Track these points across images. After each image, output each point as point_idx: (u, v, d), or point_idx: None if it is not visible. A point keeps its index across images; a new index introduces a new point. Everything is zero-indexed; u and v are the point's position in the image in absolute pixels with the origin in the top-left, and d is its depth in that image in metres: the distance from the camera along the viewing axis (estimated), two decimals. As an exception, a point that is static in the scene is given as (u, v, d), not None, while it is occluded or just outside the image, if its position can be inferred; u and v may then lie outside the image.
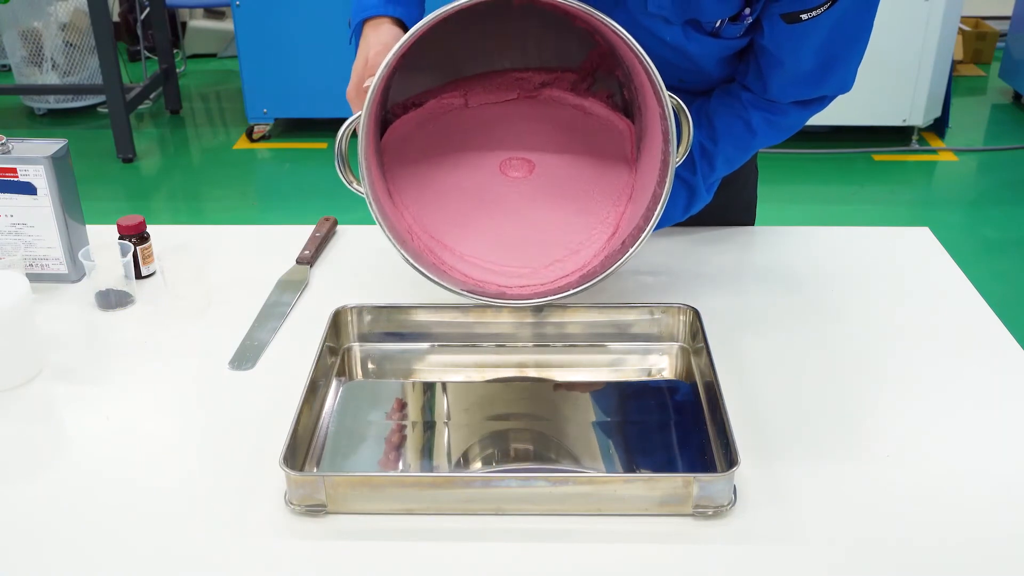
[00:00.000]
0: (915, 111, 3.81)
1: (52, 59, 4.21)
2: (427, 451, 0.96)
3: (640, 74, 0.99)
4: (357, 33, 1.09)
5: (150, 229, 1.26)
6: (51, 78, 4.25)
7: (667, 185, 0.99)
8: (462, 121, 1.13)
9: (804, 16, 1.03)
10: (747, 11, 1.06)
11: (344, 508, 0.86)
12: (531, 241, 1.09)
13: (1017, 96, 4.48)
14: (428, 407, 1.02)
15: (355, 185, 1.00)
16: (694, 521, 0.85)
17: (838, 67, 1.11)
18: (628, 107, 1.15)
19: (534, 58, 1.15)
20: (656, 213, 1.00)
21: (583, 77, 1.14)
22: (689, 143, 1.02)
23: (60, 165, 1.19)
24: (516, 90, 1.13)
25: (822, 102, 1.17)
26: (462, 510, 0.86)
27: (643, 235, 1.00)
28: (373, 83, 0.95)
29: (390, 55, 0.94)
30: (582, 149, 1.12)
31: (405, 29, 1.06)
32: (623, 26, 0.93)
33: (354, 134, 0.98)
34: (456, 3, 0.91)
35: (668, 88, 0.96)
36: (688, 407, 1.01)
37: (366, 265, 1.27)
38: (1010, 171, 3.80)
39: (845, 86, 1.14)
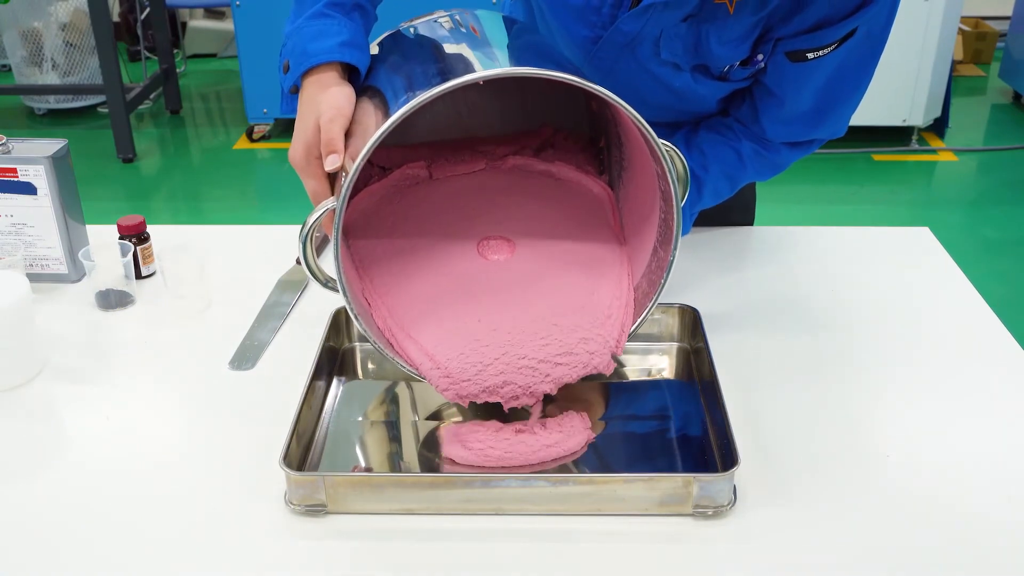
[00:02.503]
0: (915, 111, 3.82)
1: (52, 59, 4.22)
2: (427, 451, 0.96)
3: (625, 119, 0.92)
4: (297, 82, 0.96)
5: (150, 229, 1.26)
6: (51, 78, 4.25)
7: (673, 251, 0.93)
8: (429, 195, 1.07)
9: (810, 55, 1.03)
10: (759, 57, 1.06)
11: (344, 508, 0.86)
12: (529, 360, 0.94)
13: (1017, 96, 4.49)
14: (428, 407, 1.02)
15: (331, 285, 0.91)
16: (694, 521, 0.85)
17: (835, 111, 1.12)
18: (595, 122, 1.11)
19: (489, 97, 1.10)
20: (663, 279, 0.95)
21: (544, 142, 1.12)
22: (687, 186, 0.94)
23: (60, 165, 1.19)
24: (482, 161, 1.09)
25: (811, 145, 1.17)
26: (462, 510, 0.86)
27: (652, 302, 0.97)
28: (346, 185, 0.84)
29: (362, 155, 0.82)
30: (561, 221, 1.06)
31: (351, 79, 0.95)
32: (631, 78, 0.89)
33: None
34: (431, 92, 0.81)
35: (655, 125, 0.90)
36: (688, 407, 1.01)
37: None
38: (1010, 171, 3.80)
39: (837, 131, 1.15)
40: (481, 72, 0.84)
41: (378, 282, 0.99)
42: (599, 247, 1.04)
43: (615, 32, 1.05)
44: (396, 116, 0.82)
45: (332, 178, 0.92)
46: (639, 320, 0.98)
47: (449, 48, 0.94)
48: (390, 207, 1.06)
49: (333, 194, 0.91)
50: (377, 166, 1.09)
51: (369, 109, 0.90)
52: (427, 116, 0.80)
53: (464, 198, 1.07)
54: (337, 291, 0.90)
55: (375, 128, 0.85)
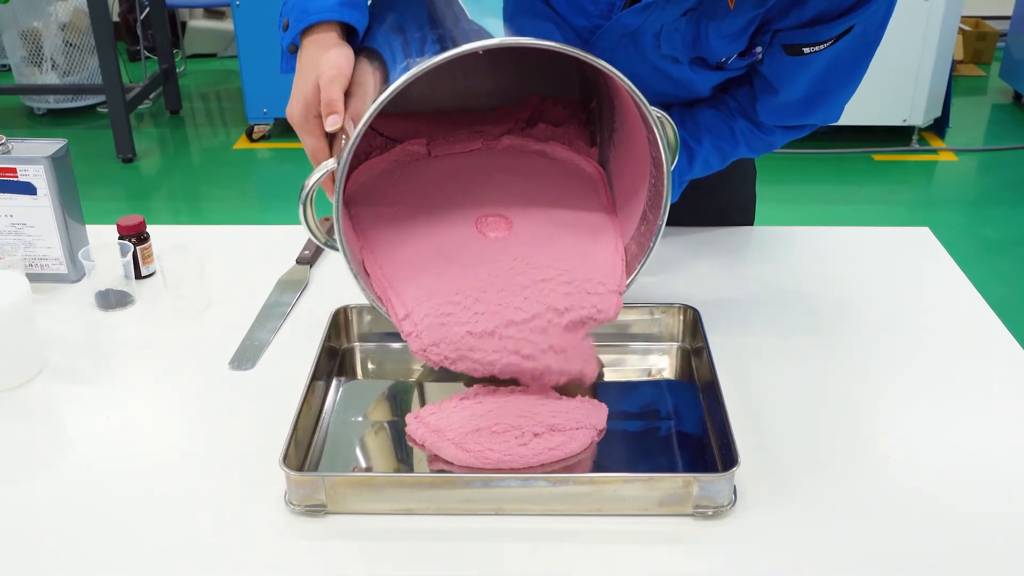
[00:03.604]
0: (915, 111, 3.82)
1: (52, 59, 4.22)
2: (427, 451, 0.96)
3: (618, 84, 0.94)
4: (296, 40, 0.96)
5: (150, 229, 1.26)
6: (51, 78, 4.25)
7: (662, 216, 0.96)
8: (428, 172, 1.08)
9: (806, 50, 1.04)
10: (757, 49, 1.07)
11: (344, 508, 0.86)
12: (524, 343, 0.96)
13: (1017, 96, 4.49)
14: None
15: (331, 244, 0.93)
16: (694, 521, 0.85)
17: (828, 100, 1.12)
18: (587, 83, 1.12)
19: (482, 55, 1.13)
20: (652, 243, 0.98)
21: (534, 112, 1.14)
22: (677, 153, 0.96)
23: (60, 165, 1.19)
24: (479, 140, 1.11)
25: (804, 128, 1.18)
26: (462, 510, 0.86)
27: (640, 264, 0.99)
28: (347, 149, 0.86)
29: (363, 122, 0.83)
30: (555, 197, 1.07)
31: (349, 38, 0.96)
32: (630, 65, 0.91)
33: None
34: (430, 61, 0.83)
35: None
36: (688, 407, 1.01)
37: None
38: (1010, 171, 3.80)
39: (831, 118, 1.15)
40: (480, 42, 0.84)
41: (375, 245, 1.00)
42: (592, 221, 1.05)
43: (615, 24, 1.05)
44: (396, 85, 0.82)
45: (330, 137, 0.93)
46: (628, 280, 0.99)
47: (446, 8, 0.95)
48: (390, 180, 1.07)
49: (332, 152, 0.92)
50: (372, 129, 1.10)
51: (368, 70, 0.91)
52: (421, 77, 0.82)
53: (461, 175, 1.09)
54: (337, 249, 0.92)
55: (374, 89, 0.86)
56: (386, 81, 0.85)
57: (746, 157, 1.22)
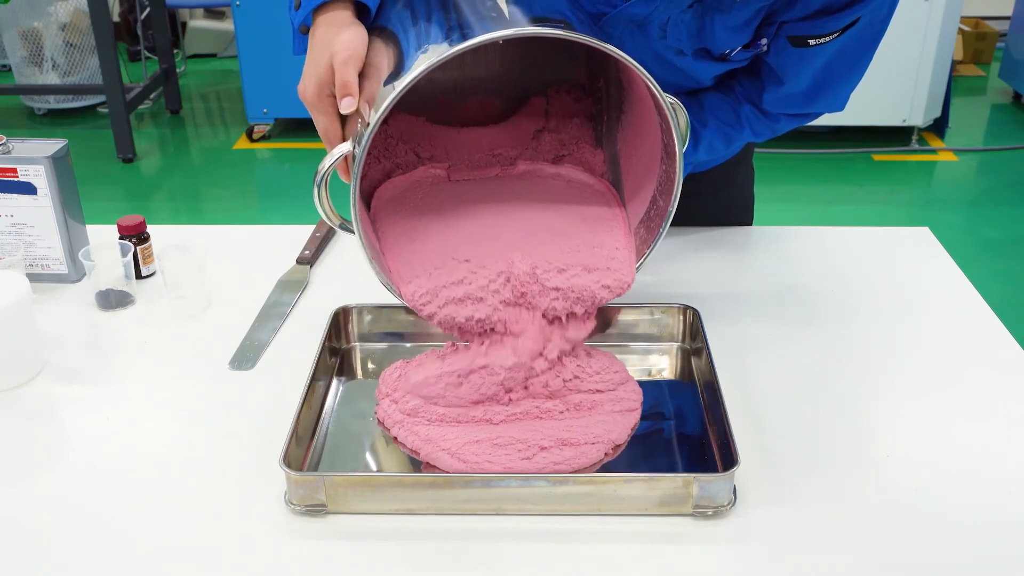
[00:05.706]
0: (915, 111, 3.82)
1: (52, 59, 4.22)
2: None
3: (632, 75, 0.95)
4: (307, 20, 0.95)
5: (150, 229, 1.26)
6: (51, 78, 4.25)
7: (673, 202, 0.96)
8: (449, 196, 1.09)
9: (812, 42, 1.04)
10: (762, 40, 1.07)
11: (344, 508, 0.86)
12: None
13: (1017, 96, 4.49)
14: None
15: (346, 226, 0.94)
16: (694, 521, 0.85)
17: (832, 90, 1.13)
18: (594, 62, 1.13)
19: (495, 63, 1.13)
20: (662, 228, 0.99)
21: (545, 114, 1.15)
22: (687, 140, 0.97)
23: (60, 165, 1.19)
24: (496, 166, 1.12)
25: (809, 116, 1.18)
26: (462, 510, 0.86)
27: (650, 248, 1.00)
28: (367, 136, 0.86)
29: (380, 113, 0.85)
30: (570, 216, 1.07)
31: (362, 18, 0.95)
32: (636, 52, 0.92)
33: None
34: (449, 51, 0.83)
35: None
36: (688, 407, 1.01)
37: (366, 265, 1.27)
38: (1010, 171, 3.80)
39: (836, 107, 1.15)
40: (499, 32, 0.84)
41: (391, 244, 1.01)
42: (603, 217, 1.05)
43: (622, 12, 1.06)
44: (415, 76, 0.83)
45: (342, 117, 0.92)
46: (638, 264, 1.00)
47: None
48: (411, 200, 1.08)
49: (344, 133, 0.92)
50: (386, 124, 1.11)
51: (382, 51, 0.91)
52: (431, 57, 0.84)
53: (483, 204, 1.08)
54: (351, 232, 0.92)
55: (388, 70, 0.86)
56: (401, 63, 0.85)
57: (751, 141, 1.22)
